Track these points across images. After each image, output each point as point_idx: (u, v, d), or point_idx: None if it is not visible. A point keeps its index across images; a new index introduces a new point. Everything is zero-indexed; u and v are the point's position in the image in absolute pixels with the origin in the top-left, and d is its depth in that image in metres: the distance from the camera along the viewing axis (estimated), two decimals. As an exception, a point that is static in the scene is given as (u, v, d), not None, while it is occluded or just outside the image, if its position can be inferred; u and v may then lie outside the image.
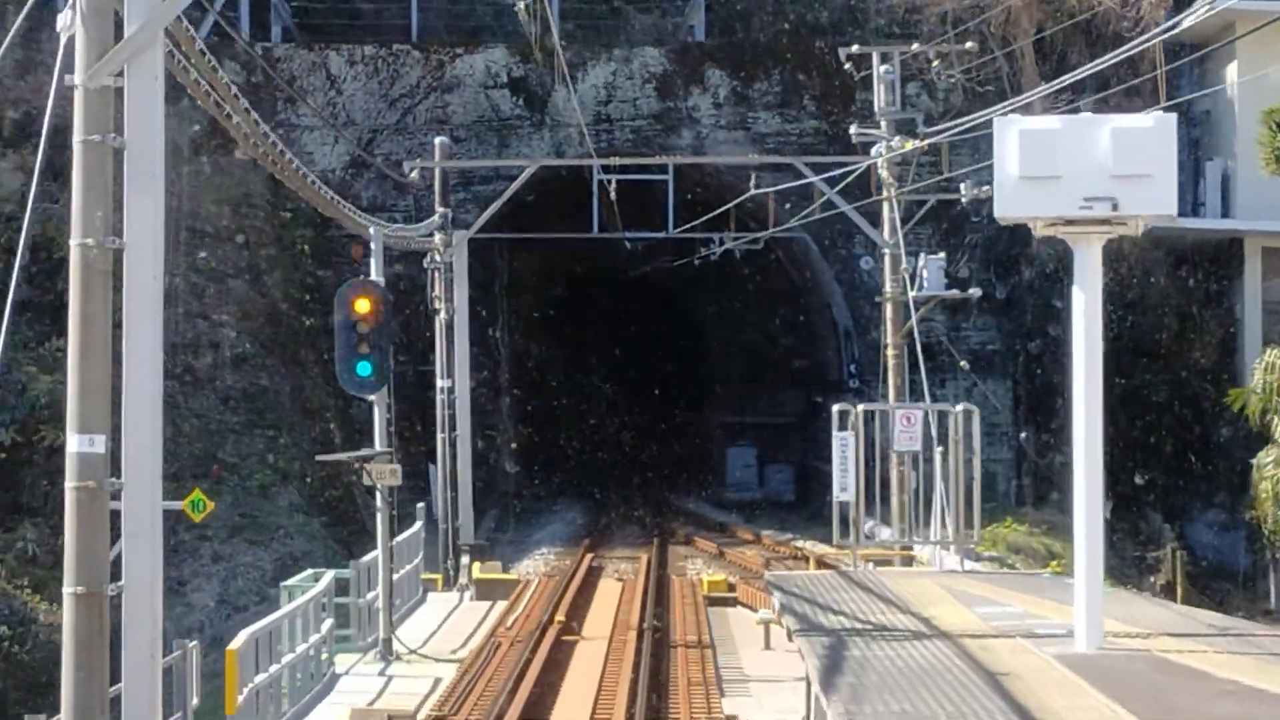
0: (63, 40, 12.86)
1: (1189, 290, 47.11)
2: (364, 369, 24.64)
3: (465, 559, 35.43)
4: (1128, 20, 44.65)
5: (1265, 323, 45.71)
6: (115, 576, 13.06)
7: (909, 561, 32.09)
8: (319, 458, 31.47)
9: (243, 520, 40.98)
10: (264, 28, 48.42)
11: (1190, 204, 44.71)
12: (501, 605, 31.66)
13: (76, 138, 12.98)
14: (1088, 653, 13.72)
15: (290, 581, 25.98)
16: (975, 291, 39.17)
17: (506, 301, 58.23)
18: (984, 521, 29.82)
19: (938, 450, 28.79)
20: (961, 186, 37.83)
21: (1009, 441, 46.10)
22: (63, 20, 12.86)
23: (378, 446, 26.11)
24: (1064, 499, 44.38)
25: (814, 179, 38.88)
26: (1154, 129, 13.77)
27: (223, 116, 18.19)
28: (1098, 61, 22.67)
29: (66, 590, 12.99)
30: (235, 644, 19.01)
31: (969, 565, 27.97)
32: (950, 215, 44.73)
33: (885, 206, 37.34)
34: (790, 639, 16.56)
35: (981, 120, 29.04)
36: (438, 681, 23.97)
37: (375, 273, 26.60)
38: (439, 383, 36.41)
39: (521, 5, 39.29)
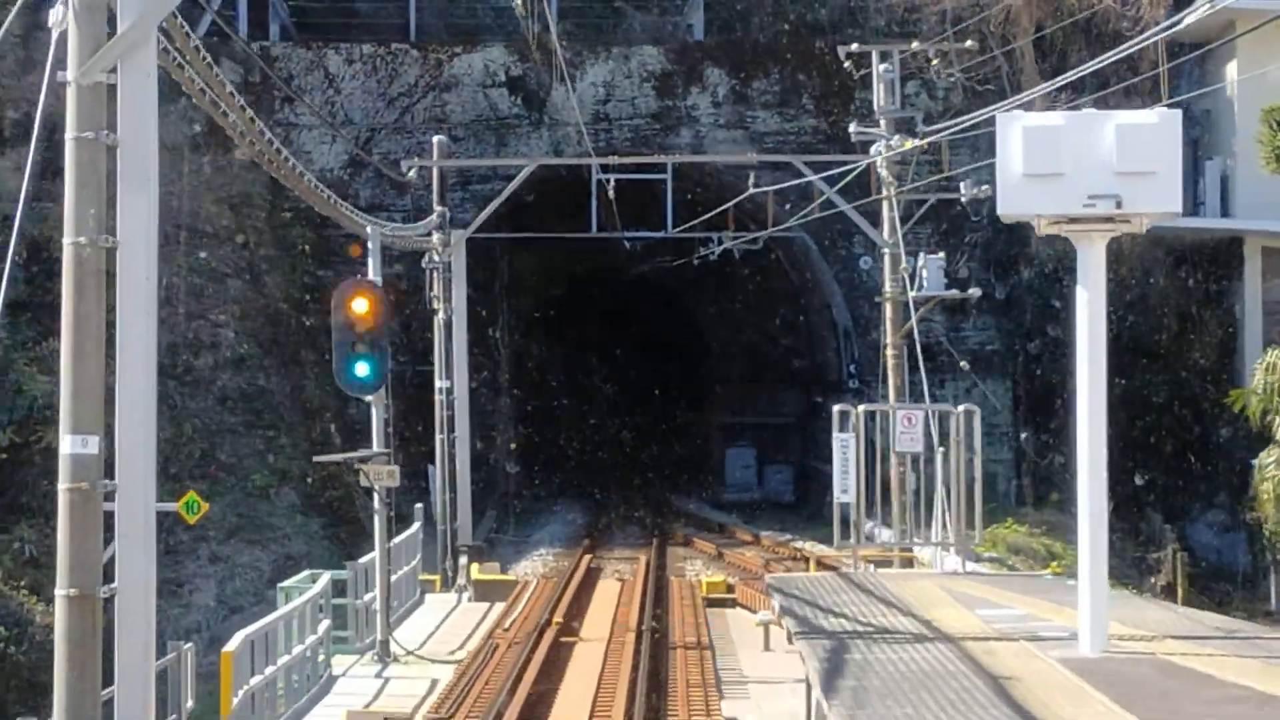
0: (54, 36, 12.70)
1: (1188, 290, 46.98)
2: (361, 369, 24.49)
3: (463, 560, 35.31)
4: (1127, 20, 44.52)
5: (1265, 323, 45.57)
6: (110, 579, 12.95)
7: (909, 563, 31.96)
8: (316, 458, 31.31)
9: (241, 521, 40.87)
10: (262, 27, 48.26)
11: (1190, 203, 44.55)
12: (500, 606, 31.55)
13: (69, 135, 12.84)
14: (1092, 656, 13.57)
15: (287, 583, 25.85)
16: (975, 291, 39.03)
17: (506, 302, 58.13)
18: (984, 522, 29.66)
19: (939, 451, 28.64)
20: (961, 186, 37.69)
21: (1008, 442, 45.97)
22: (54, 16, 12.71)
23: (375, 447, 25.97)
24: (1064, 499, 44.32)
25: (813, 178, 38.76)
26: (1158, 125, 13.60)
27: (218, 114, 18.05)
28: (1098, 60, 22.54)
29: (59, 592, 12.88)
30: (230, 646, 18.87)
31: (969, 566, 27.83)
32: (950, 215, 44.61)
33: (885, 206, 37.20)
34: (791, 642, 16.41)
35: (982, 118, 28.95)
36: (435, 683, 23.85)
37: (373, 272, 26.47)
38: (437, 383, 36.29)
39: (519, 4, 39.14)
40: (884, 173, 36.96)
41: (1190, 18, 21.03)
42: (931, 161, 40.31)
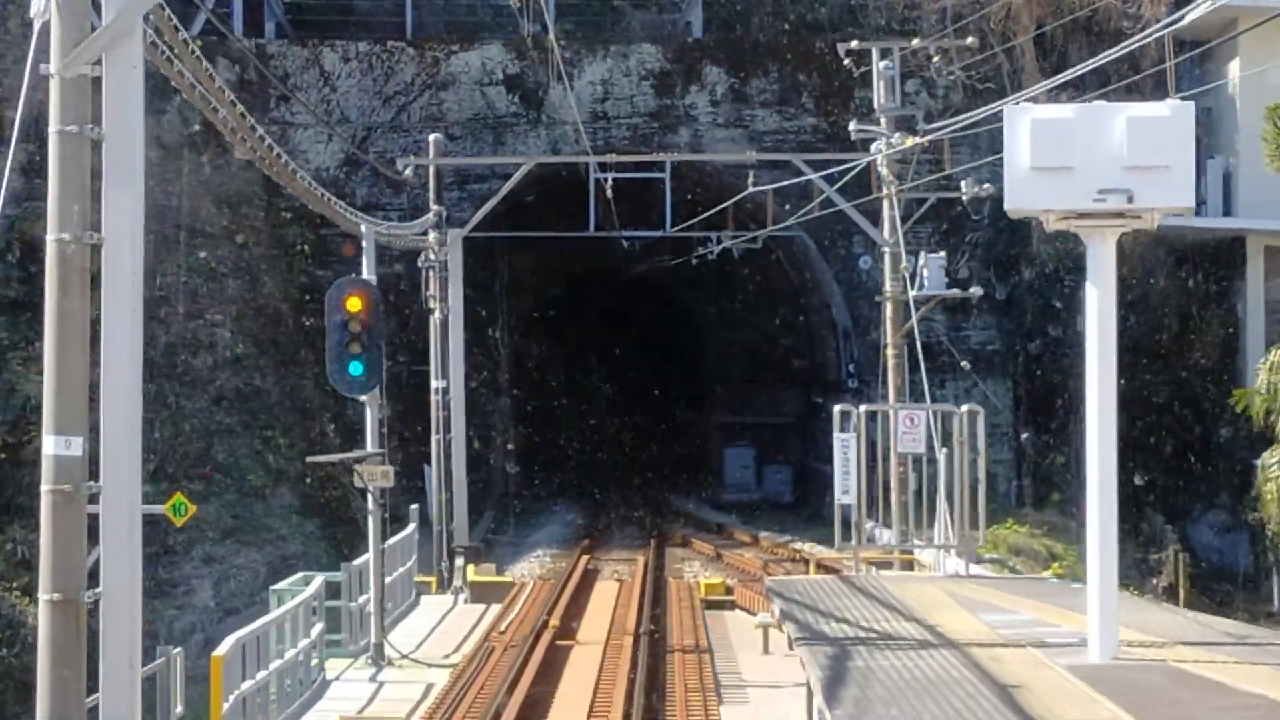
0: (36, 26, 12.39)
1: (1189, 290, 46.77)
2: (355, 369, 24.25)
3: (460, 561, 35.08)
4: (1128, 18, 44.27)
5: (1268, 323, 45.35)
6: (95, 583, 12.70)
7: (909, 565, 31.70)
8: (309, 459, 31.09)
9: (237, 522, 40.64)
10: (257, 25, 47.98)
11: (1191, 202, 44.28)
12: (496, 608, 31.29)
13: (52, 128, 12.56)
14: (1101, 663, 13.25)
15: (280, 585, 25.60)
16: (976, 290, 38.76)
17: (506, 302, 57.97)
18: (986, 523, 29.39)
19: (942, 452, 28.36)
20: (962, 184, 37.45)
21: (1009, 442, 45.74)
22: (36, 6, 12.40)
23: (370, 447, 25.72)
24: (1064, 500, 44.12)
25: (812, 176, 38.51)
26: (1170, 118, 13.26)
27: (209, 110, 17.76)
28: (1099, 57, 22.27)
29: (42, 596, 12.67)
30: (221, 650, 18.58)
31: (972, 569, 27.54)
32: (950, 215, 44.39)
33: (885, 204, 36.94)
34: (791, 647, 16.11)
35: (984, 116, 28.66)
36: (430, 687, 23.64)
37: (367, 271, 26.24)
38: (433, 383, 36.05)
39: (517, 1, 38.87)
40: (884, 171, 36.69)
41: (1193, 14, 20.75)
42: (932, 160, 40.09)
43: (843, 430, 26.51)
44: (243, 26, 46.88)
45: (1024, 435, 46.06)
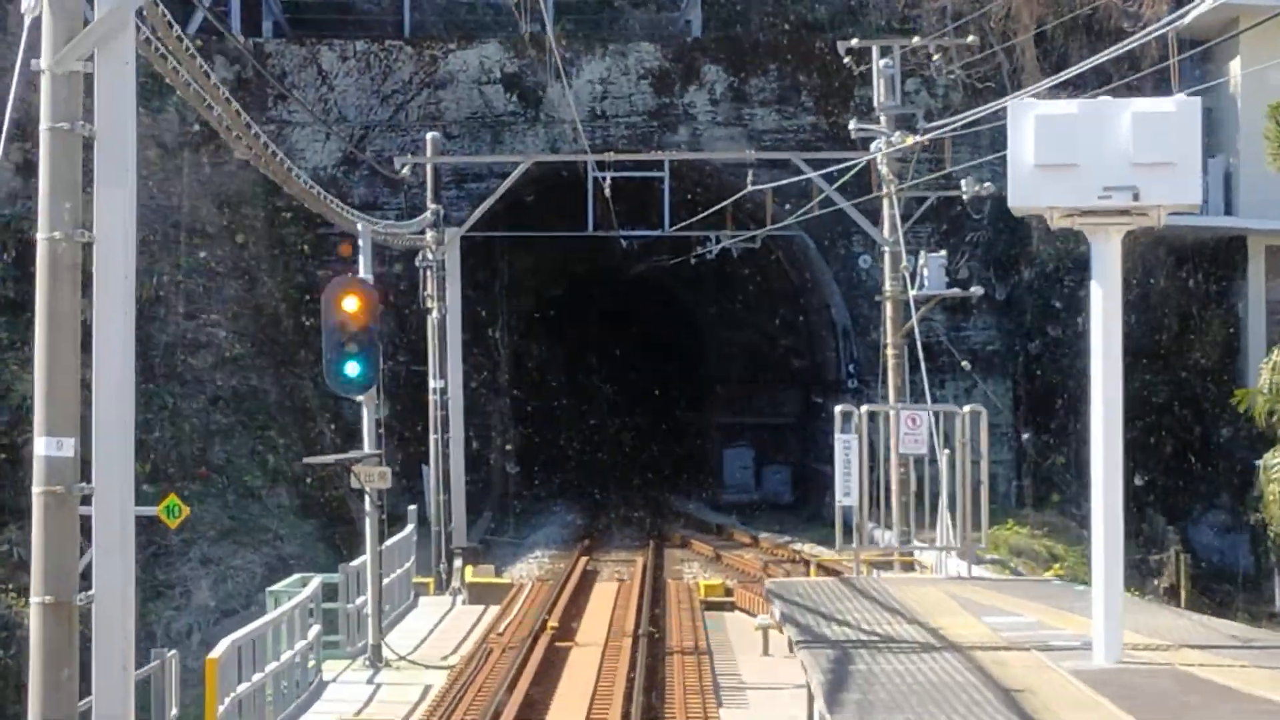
0: (27, 22, 12.23)
1: (1190, 290, 46.63)
2: (351, 369, 24.07)
3: (458, 562, 34.93)
4: (1129, 17, 44.12)
5: (1269, 323, 45.21)
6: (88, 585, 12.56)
7: (909, 566, 31.55)
8: (306, 460, 30.93)
9: (234, 523, 40.50)
10: (255, 23, 47.83)
11: (1192, 202, 44.14)
12: (494, 610, 31.14)
13: (43, 125, 12.41)
14: (1107, 667, 13.07)
15: (276, 587, 25.45)
16: (977, 290, 38.62)
17: (506, 302, 57.83)
18: (988, 525, 29.25)
19: (944, 452, 28.20)
20: (963, 183, 37.31)
21: (1009, 442, 45.60)
22: (27, 1, 12.23)
23: (367, 448, 25.55)
24: (1064, 500, 44.00)
25: (812, 175, 38.36)
26: (1177, 114, 13.08)
27: (203, 107, 17.59)
28: (1100, 55, 22.13)
29: (34, 599, 12.55)
30: (216, 652, 18.41)
31: (974, 570, 27.37)
32: (950, 215, 44.27)
33: (885, 203, 36.78)
34: (792, 650, 15.93)
35: (985, 114, 28.52)
36: (428, 689, 23.50)
37: (364, 270, 26.08)
38: (431, 383, 35.89)
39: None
40: (884, 170, 36.52)
41: (1194, 12, 20.60)
42: (932, 160, 39.96)
43: (844, 431, 26.34)
44: (240, 25, 46.72)
45: (1024, 435, 45.94)
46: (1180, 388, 46.20)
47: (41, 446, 12.45)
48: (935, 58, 41.26)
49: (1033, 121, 13.21)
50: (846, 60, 38.36)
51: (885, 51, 37.17)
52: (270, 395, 43.84)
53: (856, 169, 37.83)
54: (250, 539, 40.23)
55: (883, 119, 36.73)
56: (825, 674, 13.06)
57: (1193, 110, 13.11)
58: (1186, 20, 20.16)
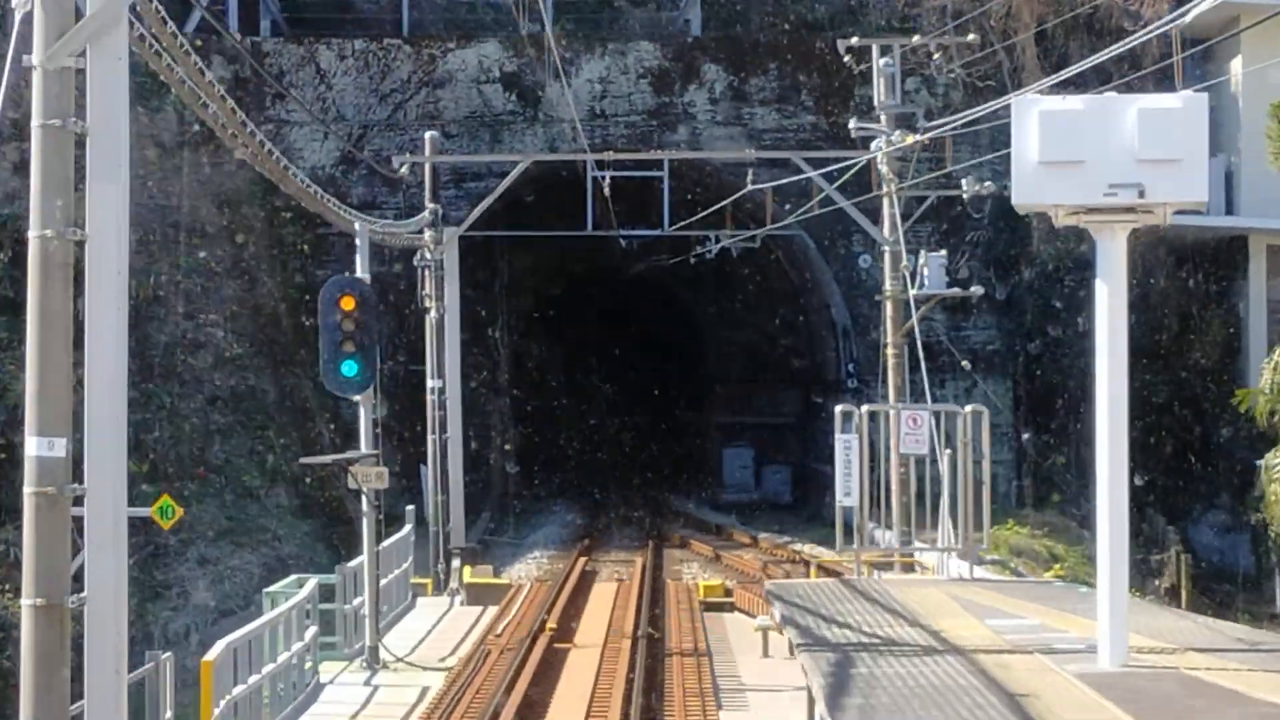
0: (18, 17, 12.09)
1: (1190, 290, 46.52)
2: (349, 368, 23.95)
3: (456, 563, 34.78)
4: (1129, 16, 44.00)
5: (1270, 322, 45.09)
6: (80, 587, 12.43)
7: (909, 567, 31.42)
8: (303, 460, 30.80)
9: (232, 523, 40.39)
10: (253, 22, 47.70)
11: (1193, 201, 44.00)
12: (493, 611, 30.99)
13: (34, 122, 12.29)
14: (1111, 670, 12.92)
15: (273, 588, 25.30)
16: (977, 289, 38.50)
17: (506, 302, 57.71)
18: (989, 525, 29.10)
19: (945, 452, 28.07)
20: (963, 182, 37.18)
21: (1009, 442, 45.50)
22: (18, -5, 12.11)
23: (364, 448, 25.41)
24: (1065, 500, 43.89)
25: (812, 174, 38.24)
26: (1183, 110, 12.92)
27: (198, 105, 17.46)
28: (1101, 53, 22.01)
29: (25, 602, 12.41)
30: (211, 654, 18.25)
31: (975, 570, 27.24)
32: (950, 215, 44.18)
33: (885, 202, 36.66)
34: (792, 653, 15.79)
35: (984, 113, 28.39)
36: (425, 691, 23.37)
37: (361, 270, 25.94)
38: (429, 383, 35.77)
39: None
40: (884, 169, 36.39)
41: (1195, 10, 20.48)
42: (932, 159, 39.84)
43: (844, 431, 26.20)
44: (238, 24, 46.60)
45: (1024, 435, 45.82)
46: (1180, 388, 46.09)
47: (33, 446, 12.34)
48: (935, 56, 41.16)
49: (1037, 118, 13.05)
50: (846, 59, 38.24)
51: (885, 50, 37.04)
52: (269, 395, 43.73)
53: (856, 168, 37.69)
54: (248, 539, 40.12)
55: (883, 118, 36.60)
56: (826, 677, 12.92)
57: (1199, 106, 12.95)
58: (1187, 19, 20.03)
